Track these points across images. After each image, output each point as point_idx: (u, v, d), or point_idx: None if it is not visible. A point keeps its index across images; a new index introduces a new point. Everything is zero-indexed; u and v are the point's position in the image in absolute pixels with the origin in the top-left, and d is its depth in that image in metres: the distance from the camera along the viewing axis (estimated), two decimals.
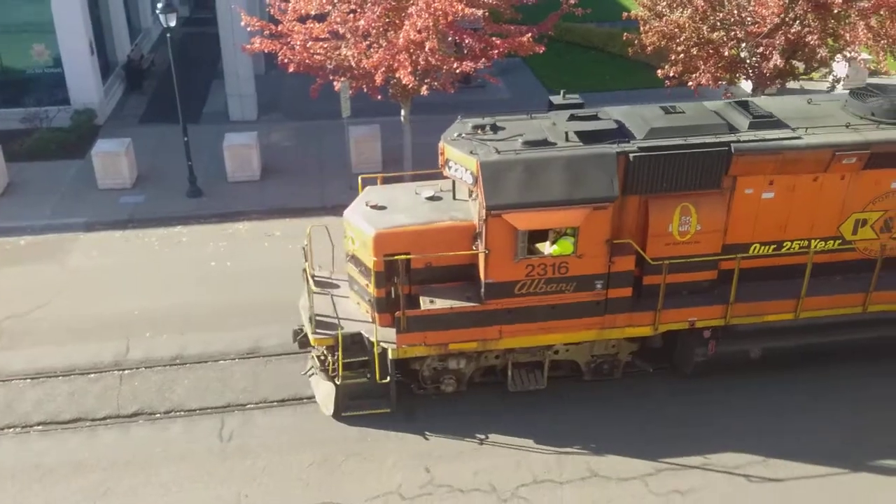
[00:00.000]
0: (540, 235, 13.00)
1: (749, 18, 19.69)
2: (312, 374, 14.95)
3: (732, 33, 20.05)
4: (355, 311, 14.41)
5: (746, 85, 23.15)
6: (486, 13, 19.70)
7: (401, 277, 13.42)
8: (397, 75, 18.96)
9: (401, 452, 13.69)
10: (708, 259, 13.64)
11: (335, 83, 20.27)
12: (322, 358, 14.35)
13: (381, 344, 13.48)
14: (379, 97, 20.57)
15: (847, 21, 19.25)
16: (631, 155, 12.85)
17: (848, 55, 20.92)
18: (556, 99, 14.45)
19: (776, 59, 19.39)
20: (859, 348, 15.02)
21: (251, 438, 14.11)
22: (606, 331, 13.95)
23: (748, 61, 21.18)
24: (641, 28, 21.37)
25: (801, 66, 21.60)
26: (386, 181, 15.55)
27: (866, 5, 18.46)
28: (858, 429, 14.01)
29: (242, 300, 17.59)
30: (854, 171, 13.63)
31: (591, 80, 29.16)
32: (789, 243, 14.15)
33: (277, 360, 15.89)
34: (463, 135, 13.41)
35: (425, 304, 13.36)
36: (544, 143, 13.02)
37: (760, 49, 19.94)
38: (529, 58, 22.24)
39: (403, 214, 13.71)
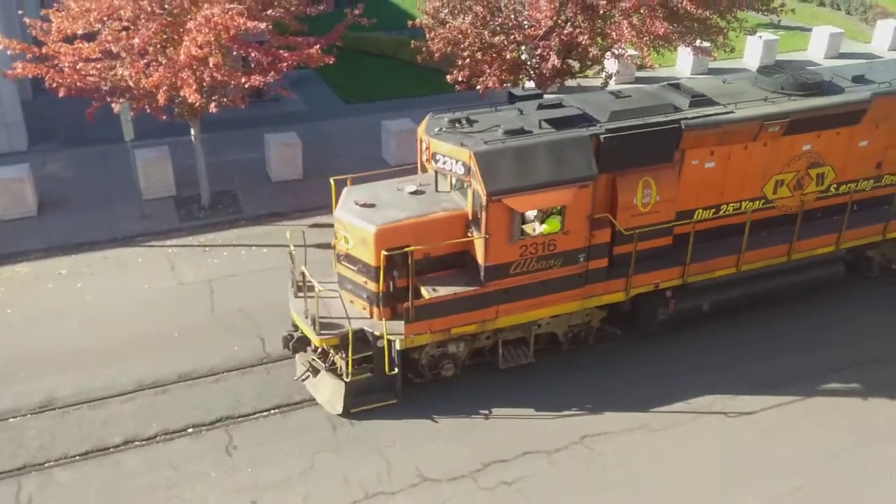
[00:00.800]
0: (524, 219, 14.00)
1: (525, 22, 20.70)
2: (307, 377, 14.92)
3: (512, 37, 20.96)
4: (350, 309, 14.51)
5: (530, 85, 24.28)
6: (271, 26, 19.27)
7: (402, 270, 13.76)
8: (182, 93, 18.09)
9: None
10: (667, 226, 15.21)
11: (113, 105, 19.00)
12: (316, 359, 14.61)
13: (389, 336, 13.74)
14: (164, 117, 19.53)
15: (612, 20, 20.70)
16: (601, 136, 14.13)
17: (616, 52, 22.54)
18: (517, 91, 15.91)
19: (553, 60, 20.51)
20: (789, 291, 17.24)
21: (53, 500, 12.87)
22: (587, 300, 15.14)
23: (529, 63, 22.26)
24: (427, 35, 21.85)
25: (576, 64, 23.01)
26: (356, 181, 15.59)
27: (627, 5, 19.93)
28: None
29: (28, 349, 16.04)
30: (775, 138, 15.61)
31: (386, 87, 29.46)
32: (725, 206, 16.00)
33: (76, 409, 14.63)
34: (443, 129, 14.13)
35: (428, 293, 13.79)
36: (522, 131, 14.00)
37: (539, 51, 21.01)
38: (322, 69, 22.04)
39: (396, 210, 14.07)
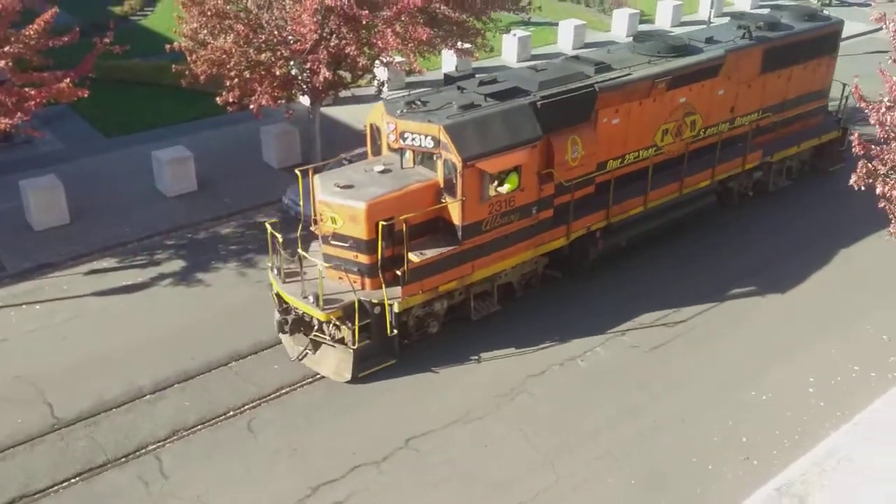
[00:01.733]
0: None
1: (291, 37, 20.45)
2: (305, 355, 15.79)
3: (279, 53, 20.65)
4: (340, 285, 15.38)
5: (304, 100, 24.10)
6: (10, 63, 17.56)
7: (387, 241, 14.91)
8: None
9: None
10: (591, 176, 17.62)
11: None
12: (319, 335, 15.48)
13: (388, 300, 14.88)
14: None
15: (376, 30, 21.01)
16: (538, 103, 16.24)
17: (385, 60, 22.92)
18: (452, 73, 18.04)
19: (324, 73, 20.46)
20: (681, 221, 20.34)
21: None
22: (539, 248, 17.25)
23: (300, 78, 22.07)
24: (189, 58, 20.97)
25: (348, 75, 23.14)
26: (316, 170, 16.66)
27: (388, 14, 20.31)
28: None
29: None
30: (661, 93, 18.52)
31: (151, 116, 27.88)
32: (629, 155, 18.62)
33: None
34: (403, 111, 15.67)
35: (418, 257, 15.08)
36: (473, 105, 15.88)
37: (308, 65, 20.86)
38: (77, 103, 20.47)
39: (375, 187, 15.32)
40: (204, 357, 16.28)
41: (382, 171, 15.88)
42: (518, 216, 16.34)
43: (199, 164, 23.10)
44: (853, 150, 13.18)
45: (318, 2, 19.54)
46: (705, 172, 20.16)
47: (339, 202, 15.08)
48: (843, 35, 23.93)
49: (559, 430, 14.52)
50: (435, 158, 15.53)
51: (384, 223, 14.70)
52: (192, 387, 15.59)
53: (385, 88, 25.94)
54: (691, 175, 19.80)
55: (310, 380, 15.71)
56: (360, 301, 14.94)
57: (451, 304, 16.63)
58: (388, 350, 15.76)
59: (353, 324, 14.97)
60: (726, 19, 22.83)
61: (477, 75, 17.69)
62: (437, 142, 15.14)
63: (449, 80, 17.51)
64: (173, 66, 21.81)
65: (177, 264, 19.71)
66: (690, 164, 19.62)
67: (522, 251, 16.92)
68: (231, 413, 14.89)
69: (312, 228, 16.14)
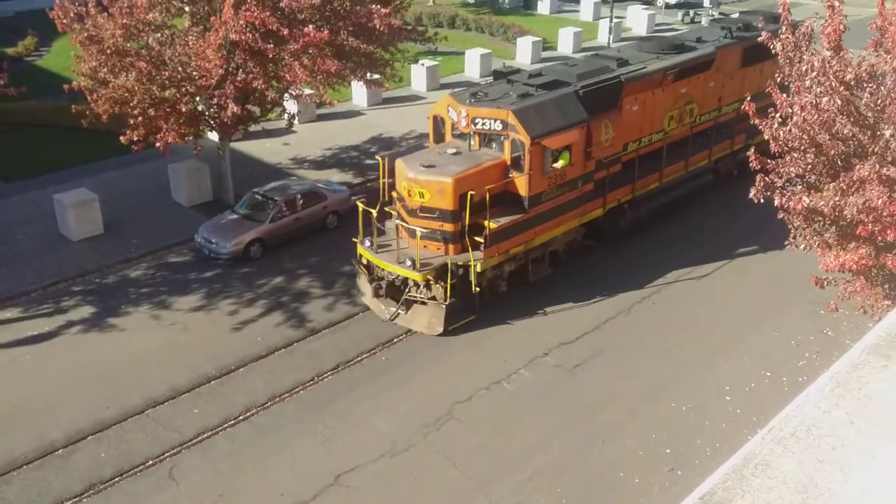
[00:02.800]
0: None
1: (196, 73, 20.11)
2: (398, 315, 17.98)
3: (184, 89, 20.26)
4: (425, 253, 17.54)
5: (213, 136, 23.69)
6: None
7: (472, 210, 17.10)
8: None
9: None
10: (619, 155, 20.33)
11: None
12: (415, 293, 17.59)
13: (473, 262, 17.30)
14: None
15: (283, 63, 20.89)
16: (580, 92, 19.00)
17: (294, 93, 22.79)
18: (500, 69, 20.98)
19: (232, 107, 20.18)
20: (687, 196, 23.22)
21: None
22: (582, 217, 19.97)
23: (207, 113, 21.71)
24: (89, 97, 20.36)
25: (257, 109, 22.89)
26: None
27: (295, 47, 20.24)
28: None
29: None
30: (669, 84, 21.26)
31: (51, 158, 26.82)
32: (644, 138, 21.14)
33: None
34: (472, 100, 18.31)
35: (496, 223, 17.45)
36: (529, 94, 18.56)
37: (215, 100, 20.54)
38: None
39: (454, 165, 17.62)
40: (119, 405, 15.65)
41: (455, 153, 18.24)
42: (568, 188, 19.04)
43: (104, 205, 22.35)
44: (750, 164, 13.82)
45: (223, 37, 19.33)
46: (703, 153, 23.42)
47: (429, 178, 17.38)
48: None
49: (489, 455, 14.54)
50: (502, 139, 18.12)
51: (472, 193, 17.16)
52: (108, 437, 14.95)
53: (296, 121, 25.83)
54: (693, 155, 22.94)
55: (232, 422, 15.30)
56: (443, 265, 17.36)
57: (511, 270, 19.01)
58: (470, 307, 18.03)
59: (445, 283, 17.32)
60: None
61: (521, 70, 21.14)
62: (506, 124, 17.78)
63: (498, 75, 20.47)
64: (73, 106, 21.11)
65: (85, 311, 18.94)
66: (692, 146, 22.74)
67: (570, 220, 19.66)
68: (150, 462, 14.33)
69: (387, 209, 18.75)
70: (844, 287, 14.10)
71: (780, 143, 13.42)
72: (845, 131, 12.42)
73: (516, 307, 19.05)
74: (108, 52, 19.72)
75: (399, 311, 17.98)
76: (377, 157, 20.20)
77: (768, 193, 13.38)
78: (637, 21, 45.89)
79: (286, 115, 24.08)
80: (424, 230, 17.32)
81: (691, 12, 48.04)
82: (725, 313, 18.86)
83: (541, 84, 19.10)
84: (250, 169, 25.78)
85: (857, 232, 12.50)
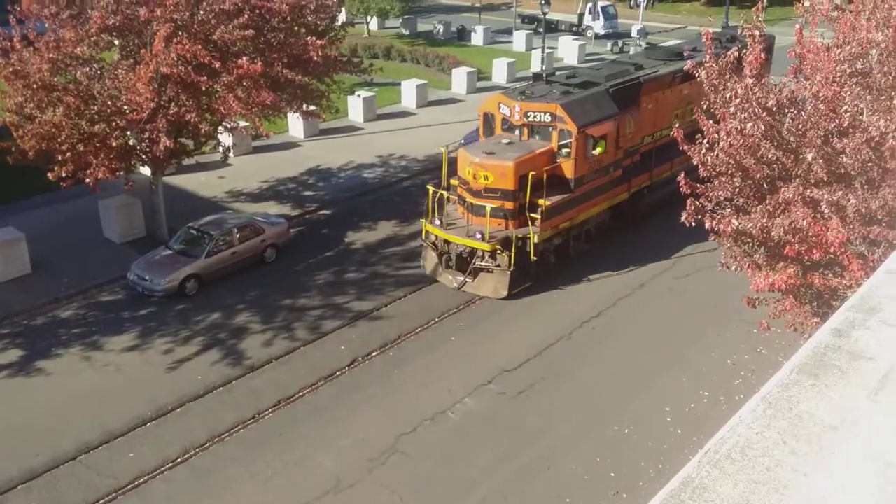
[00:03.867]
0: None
1: (126, 107, 19.72)
2: (465, 283, 20.72)
3: (114, 123, 19.84)
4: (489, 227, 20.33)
5: (146, 170, 23.22)
6: None
7: (524, 191, 19.87)
8: None
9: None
10: (639, 146, 23.44)
11: None
12: (481, 262, 20.34)
13: (531, 234, 20.21)
14: None
15: (217, 96, 20.66)
16: (610, 90, 22.19)
17: (228, 126, 22.55)
18: (539, 72, 24.99)
19: (164, 141, 19.83)
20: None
21: None
22: (612, 199, 22.91)
23: (139, 148, 21.29)
24: (15, 133, 19.76)
25: (190, 143, 22.56)
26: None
27: (230, 79, 20.05)
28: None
29: None
30: (676, 85, 24.13)
31: None
32: (657, 133, 23.74)
33: None
34: (522, 97, 21.51)
35: (549, 201, 20.32)
36: (569, 91, 21.80)
37: (147, 134, 20.17)
38: None
39: (511, 152, 20.54)
40: (50, 452, 15.03)
41: (508, 143, 21.10)
42: (603, 173, 21.87)
43: (32, 244, 21.61)
44: (681, 189, 14.20)
45: (154, 70, 19.04)
46: None
47: (493, 162, 20.13)
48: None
49: (435, 487, 14.41)
50: (550, 130, 21.15)
51: (532, 174, 19.94)
52: (39, 486, 14.33)
53: (231, 154, 25.55)
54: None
55: (169, 465, 14.83)
56: (506, 237, 20.08)
57: (557, 244, 21.65)
58: (527, 275, 20.81)
59: (510, 252, 19.97)
60: (540, 75, 27.59)
61: (556, 73, 24.67)
62: (554, 116, 20.85)
63: (537, 77, 25.11)
64: None
65: (13, 354, 18.20)
66: (693, 140, 25.67)
67: (604, 201, 22.54)
68: None
69: (447, 194, 21.30)
70: (775, 306, 14.51)
71: (709, 167, 13.82)
72: (769, 155, 12.86)
73: (460, 337, 19.05)
74: (35, 86, 19.20)
75: (466, 279, 20.80)
76: (440, 147, 23.03)
77: (699, 217, 13.73)
78: (568, 51, 46.95)
79: (221, 148, 23.80)
80: (492, 206, 20.09)
81: (620, 42, 49.43)
82: (663, 334, 19.19)
83: (577, 84, 22.48)
84: (185, 203, 25.32)
85: (785, 252, 12.91)
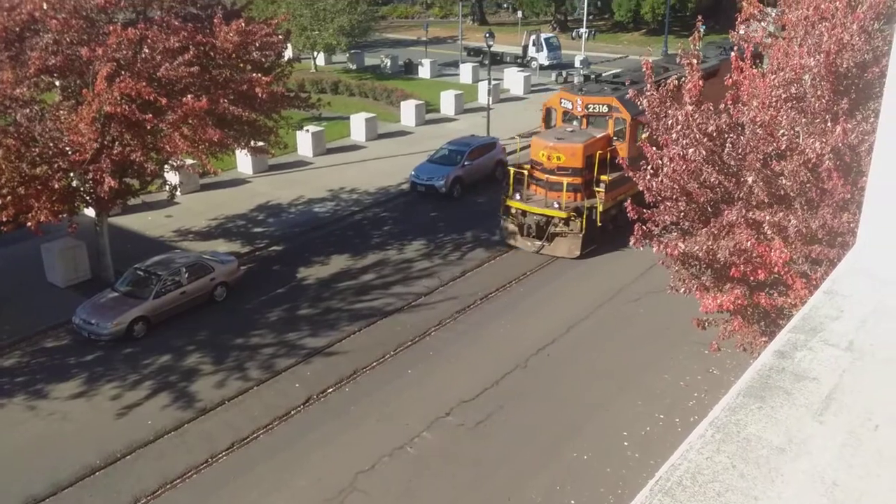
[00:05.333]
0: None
1: (68, 148, 19.34)
2: (542, 247, 24.74)
3: (56, 165, 19.42)
4: (561, 199, 24.55)
5: (90, 211, 22.75)
6: None
7: (590, 169, 23.31)
8: None
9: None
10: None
11: None
12: (557, 227, 24.62)
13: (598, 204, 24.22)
14: None
15: (162, 134, 20.41)
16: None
17: (175, 164, 22.27)
18: (587, 74, 35.83)
19: (109, 182, 19.45)
20: None
21: None
22: None
23: (82, 189, 20.87)
24: None
25: (136, 182, 22.20)
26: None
27: (174, 117, 19.82)
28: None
29: None
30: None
31: None
32: None
33: None
34: (581, 92, 26.76)
35: (609, 176, 24.28)
36: (619, 88, 25.56)
37: (90, 175, 19.79)
38: None
39: (578, 137, 25.00)
40: None
41: (572, 131, 25.57)
42: (640, 158, 25.25)
43: None
44: (628, 214, 14.44)
45: (96, 110, 18.75)
46: None
47: (564, 145, 24.68)
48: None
49: None
50: (606, 119, 25.44)
51: (600, 153, 24.09)
52: None
53: (178, 192, 25.23)
54: None
55: None
56: (580, 206, 24.03)
57: (614, 215, 24.24)
58: (593, 239, 24.49)
59: (581, 219, 24.02)
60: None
61: (602, 74, 29.24)
62: (611, 107, 25.21)
63: (587, 78, 31.98)
64: None
65: None
66: None
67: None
68: None
69: (526, 170, 25.47)
70: (724, 327, 14.75)
71: (654, 192, 14.07)
72: (712, 179, 13.16)
73: (416, 369, 18.94)
74: None
75: (544, 243, 24.76)
76: (516, 136, 28.51)
77: (647, 242, 13.94)
78: (514, 82, 47.65)
79: (167, 187, 23.48)
80: (557, 185, 24.18)
81: (564, 73, 50.38)
82: (616, 359, 19.36)
83: (622, 82, 26.24)
84: (131, 244, 24.86)
85: (731, 273, 13.16)
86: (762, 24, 16.81)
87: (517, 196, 25.25)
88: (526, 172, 25.59)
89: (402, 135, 38.67)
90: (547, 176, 24.91)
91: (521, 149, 27.39)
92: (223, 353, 19.59)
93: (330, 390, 18.12)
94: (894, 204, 4.26)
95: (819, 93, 12.40)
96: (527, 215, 24.95)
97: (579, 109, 26.14)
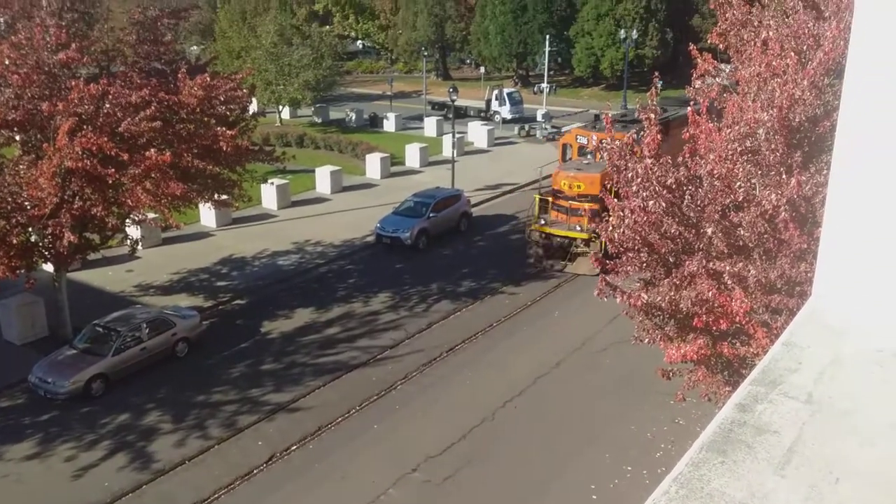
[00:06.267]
0: None
1: (27, 203, 19.07)
2: (566, 265, 27.62)
3: (14, 220, 19.10)
4: (581, 223, 27.45)
5: (49, 266, 22.33)
6: None
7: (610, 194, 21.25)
8: None
9: None
10: None
11: None
12: (579, 247, 27.45)
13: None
14: None
15: (124, 188, 20.21)
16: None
17: (136, 218, 22.02)
18: (597, 113, 32.63)
19: (68, 237, 19.17)
20: None
21: None
22: None
23: (41, 244, 20.52)
24: None
25: (96, 237, 21.89)
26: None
27: (137, 171, 19.66)
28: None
29: None
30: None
31: None
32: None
33: None
34: (595, 127, 31.01)
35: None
36: (626, 125, 27.85)
37: (49, 230, 19.49)
38: None
39: (595, 168, 27.70)
40: None
41: (588, 163, 28.67)
42: None
43: None
44: (591, 264, 14.58)
45: (57, 164, 18.56)
46: None
47: (584, 174, 27.70)
48: None
49: None
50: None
51: (609, 183, 24.11)
52: None
53: (140, 247, 24.92)
54: None
55: None
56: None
57: None
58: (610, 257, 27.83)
59: (600, 239, 23.31)
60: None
61: (611, 113, 29.62)
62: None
63: (596, 118, 31.64)
64: None
65: None
66: None
67: None
68: None
69: (551, 199, 28.32)
70: (688, 377, 14.83)
71: (616, 244, 14.24)
72: (672, 230, 13.37)
73: (383, 424, 18.67)
74: None
75: (567, 262, 27.38)
76: (538, 168, 30.73)
77: (611, 292, 14.05)
78: (478, 135, 48.30)
79: (128, 241, 23.19)
80: (578, 210, 27.02)
81: (526, 126, 51.22)
82: (583, 411, 19.29)
83: (629, 121, 28.91)
84: (91, 300, 24.38)
85: (694, 323, 13.29)
86: (717, 79, 17.32)
87: (542, 221, 28.15)
88: (549, 200, 28.36)
89: (368, 187, 38.83)
90: (569, 202, 27.92)
91: (543, 178, 30.20)
92: (184, 411, 19.14)
93: (294, 448, 17.76)
94: (847, 255, 4.35)
95: (773, 146, 12.75)
96: (552, 237, 27.94)
97: (594, 144, 29.61)
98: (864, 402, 3.57)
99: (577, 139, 30.88)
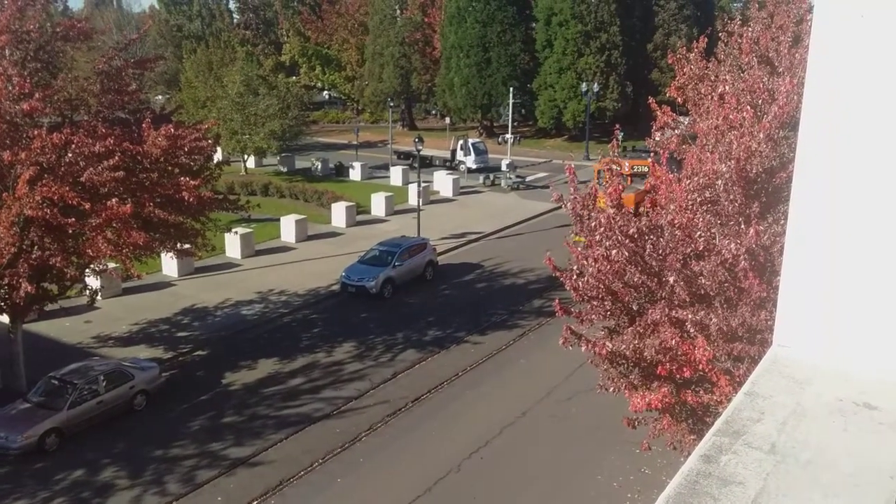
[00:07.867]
0: None
1: None
2: None
3: None
4: None
5: (4, 317, 21.78)
6: None
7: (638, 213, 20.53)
8: None
9: None
10: None
11: None
12: None
13: None
14: None
15: (85, 238, 19.90)
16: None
17: (97, 269, 21.65)
18: (624, 145, 33.50)
19: (25, 287, 18.77)
20: None
21: None
22: None
23: None
24: None
25: (54, 287, 21.45)
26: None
27: (98, 221, 19.38)
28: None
29: None
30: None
31: None
32: None
33: None
34: (626, 155, 36.15)
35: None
36: (641, 155, 38.16)
37: (6, 280, 19.06)
38: None
39: (627, 191, 24.80)
40: None
41: (623, 187, 31.75)
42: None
43: None
44: (556, 313, 14.62)
45: (16, 213, 18.25)
46: None
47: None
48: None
49: None
50: (645, 177, 28.25)
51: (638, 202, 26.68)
52: None
53: (99, 297, 24.45)
54: None
55: None
56: None
57: None
58: None
59: None
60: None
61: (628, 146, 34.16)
62: (649, 167, 28.03)
63: (625, 148, 32.98)
64: None
65: None
66: None
67: None
68: None
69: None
70: (654, 425, 14.84)
71: (580, 292, 14.33)
72: (635, 279, 13.51)
73: (347, 478, 18.32)
74: None
75: None
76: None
77: (576, 341, 14.08)
78: (443, 184, 48.66)
79: (87, 291, 22.73)
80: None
81: (491, 176, 51.76)
82: (550, 461, 19.14)
83: (647, 150, 30.71)
84: (47, 351, 23.78)
85: (658, 371, 13.34)
86: (675, 131, 17.74)
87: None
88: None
89: (333, 236, 38.75)
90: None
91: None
92: (141, 466, 18.60)
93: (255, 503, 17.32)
94: (806, 304, 4.41)
95: (732, 197, 13.02)
96: None
97: (626, 169, 33.19)
98: (826, 452, 3.60)
99: (613, 165, 35.86)
